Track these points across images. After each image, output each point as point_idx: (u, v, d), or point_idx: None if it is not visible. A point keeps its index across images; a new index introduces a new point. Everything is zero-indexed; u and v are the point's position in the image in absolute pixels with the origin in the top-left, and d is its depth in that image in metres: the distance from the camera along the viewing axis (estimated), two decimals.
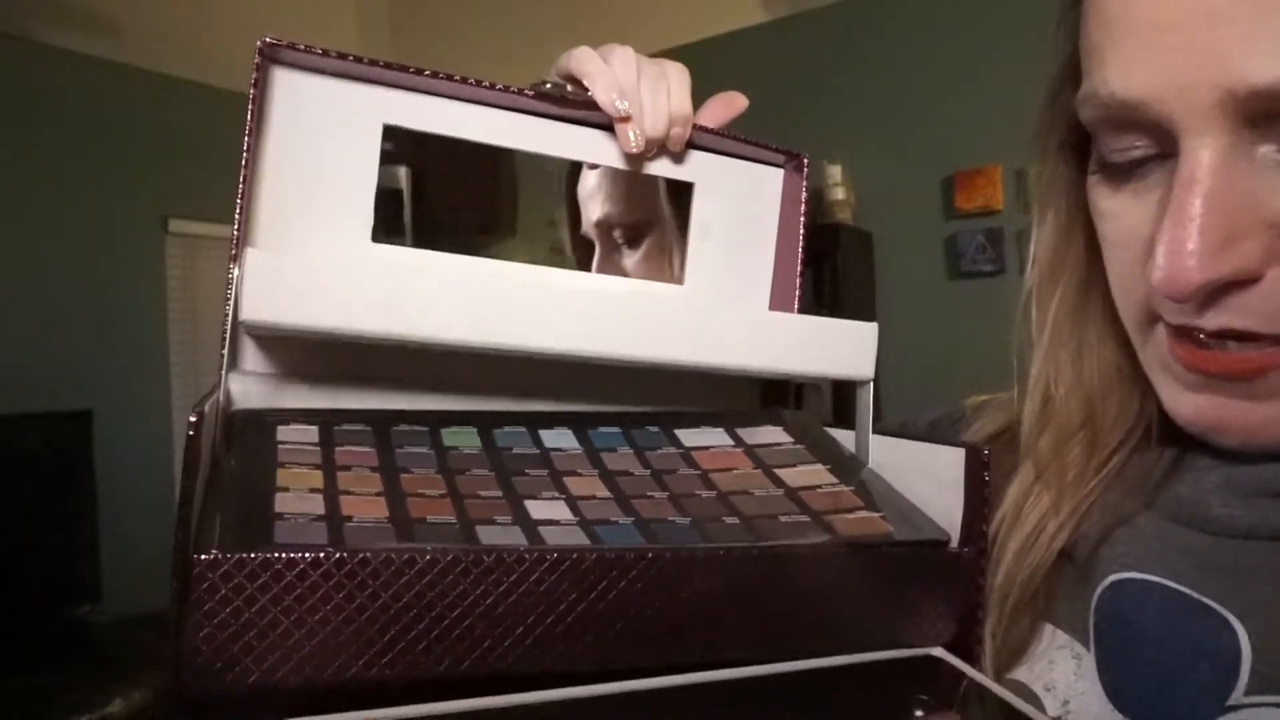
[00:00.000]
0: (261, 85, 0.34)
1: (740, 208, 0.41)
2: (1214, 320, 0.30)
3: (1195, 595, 0.32)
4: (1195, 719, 0.30)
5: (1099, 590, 0.34)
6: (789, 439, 0.38)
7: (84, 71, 2.87)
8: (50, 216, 2.80)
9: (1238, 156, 0.28)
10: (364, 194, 0.36)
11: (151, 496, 3.03)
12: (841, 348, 0.39)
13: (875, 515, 0.31)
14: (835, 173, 2.57)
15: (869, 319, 0.41)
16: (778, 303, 0.42)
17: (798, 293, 0.41)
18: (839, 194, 2.56)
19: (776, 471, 0.35)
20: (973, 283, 2.47)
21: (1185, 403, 0.32)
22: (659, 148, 0.39)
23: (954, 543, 0.30)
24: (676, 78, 0.40)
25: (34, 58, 2.76)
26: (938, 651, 0.31)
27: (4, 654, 2.04)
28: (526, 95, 0.37)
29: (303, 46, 0.34)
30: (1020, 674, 0.35)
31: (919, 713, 0.28)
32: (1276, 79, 0.26)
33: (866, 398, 0.40)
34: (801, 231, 0.41)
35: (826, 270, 2.52)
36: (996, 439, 0.41)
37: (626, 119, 0.37)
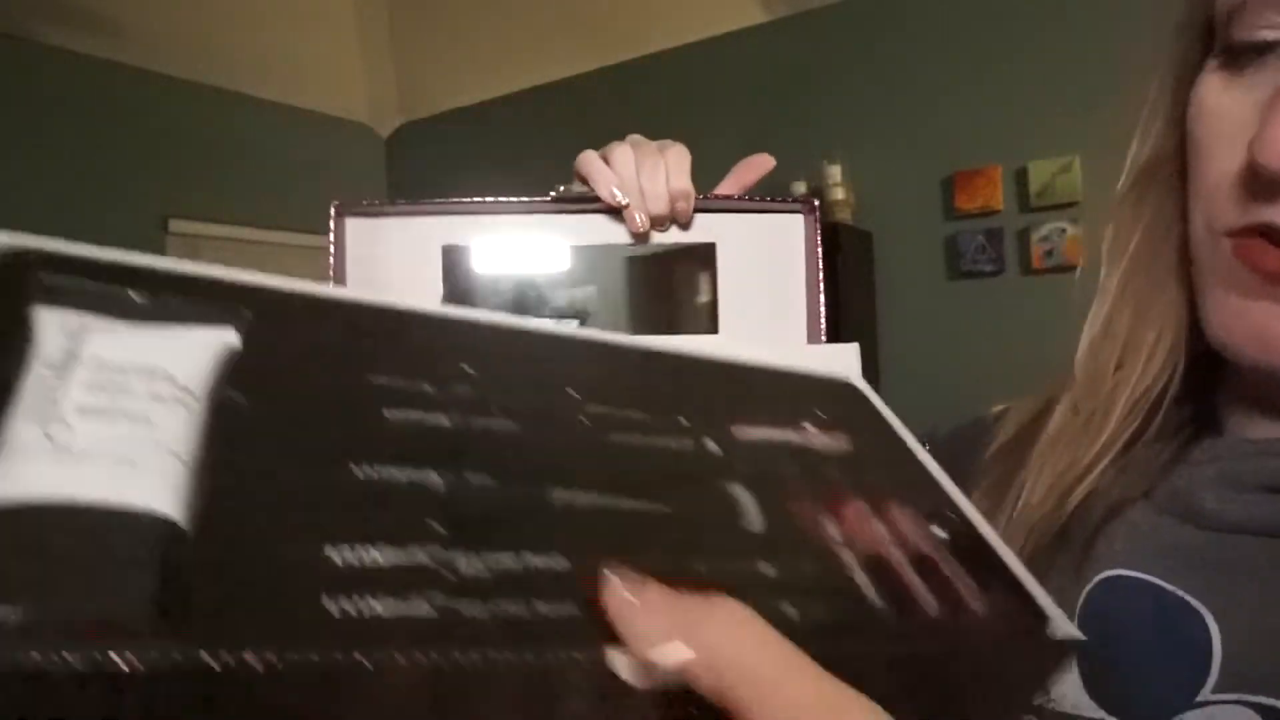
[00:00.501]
0: (338, 233, 0.44)
1: (765, 255, 0.45)
2: None
3: (1179, 592, 0.32)
4: (1165, 712, 0.31)
5: (1090, 586, 0.35)
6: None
7: (84, 71, 2.88)
8: (50, 216, 2.80)
9: None
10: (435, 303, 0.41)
11: None
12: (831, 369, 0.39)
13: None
14: (835, 173, 2.57)
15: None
16: (813, 333, 0.45)
17: (823, 324, 0.45)
18: (839, 194, 2.57)
19: None
20: (973, 283, 2.48)
21: (1238, 315, 0.31)
22: (670, 221, 0.44)
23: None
24: (674, 160, 0.45)
25: (34, 58, 2.76)
26: (857, 382, 0.34)
27: None
28: (549, 201, 0.45)
29: (366, 201, 0.44)
30: None
31: (807, 424, 0.29)
32: None
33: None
34: (820, 266, 0.44)
35: (826, 270, 2.52)
36: (1026, 429, 0.40)
37: (627, 206, 0.43)
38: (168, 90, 3.07)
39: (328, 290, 0.25)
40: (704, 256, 0.45)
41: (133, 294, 0.21)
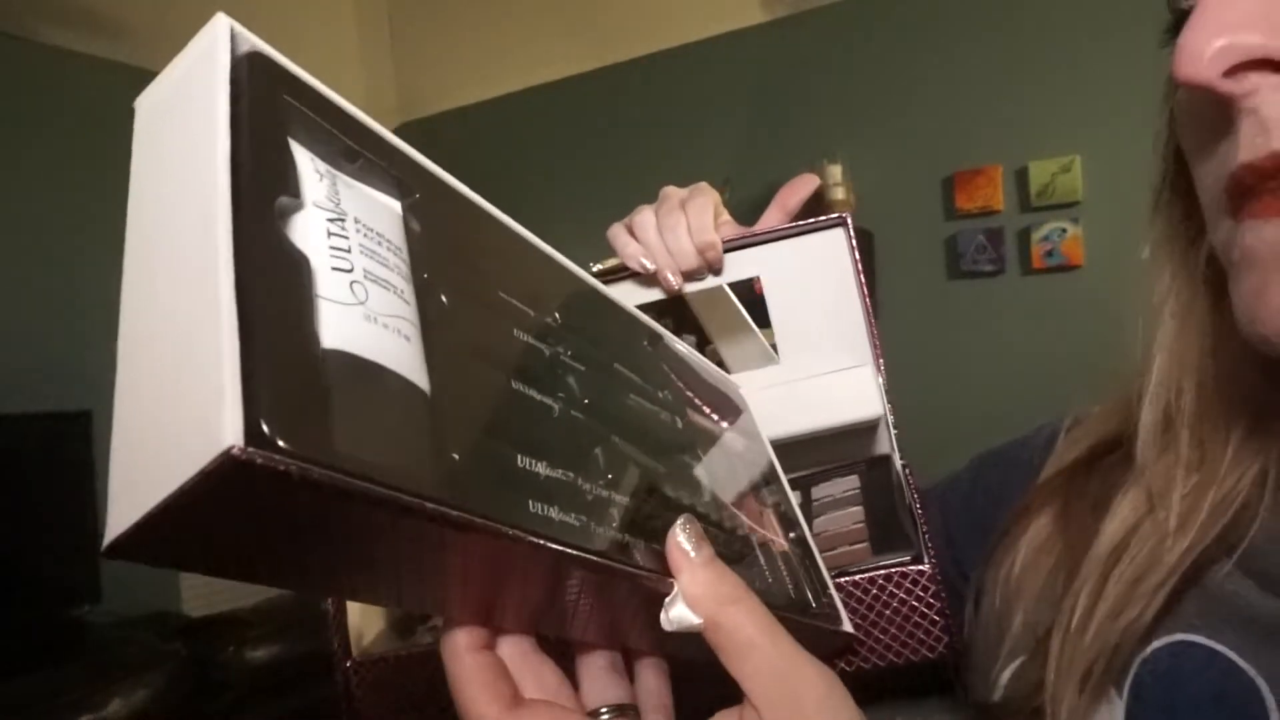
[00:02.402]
0: None
1: (813, 274, 0.45)
2: (1253, 146, 0.24)
3: (1247, 670, 0.29)
4: None
5: (1154, 646, 0.31)
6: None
7: (84, 71, 2.87)
8: (50, 216, 2.80)
9: None
10: None
11: None
12: (849, 396, 0.42)
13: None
14: (835, 173, 2.57)
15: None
16: (870, 338, 0.46)
17: (876, 333, 0.45)
18: (839, 194, 2.56)
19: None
20: (973, 283, 2.47)
21: (1258, 296, 0.26)
22: (705, 270, 0.45)
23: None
24: (695, 211, 0.45)
25: (34, 58, 2.76)
26: (746, 395, 0.41)
27: (4, 654, 2.03)
28: (594, 272, 0.45)
29: None
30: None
31: (726, 423, 0.37)
32: None
33: (886, 433, 0.44)
34: (861, 276, 0.45)
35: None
36: (1100, 454, 0.37)
37: (655, 271, 0.45)
38: None
39: (468, 192, 0.28)
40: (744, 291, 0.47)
41: (342, 143, 0.23)
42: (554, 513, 0.22)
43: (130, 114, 0.22)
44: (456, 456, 0.20)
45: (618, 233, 0.46)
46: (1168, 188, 0.33)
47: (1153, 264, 0.33)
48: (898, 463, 0.42)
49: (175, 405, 0.16)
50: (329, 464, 0.16)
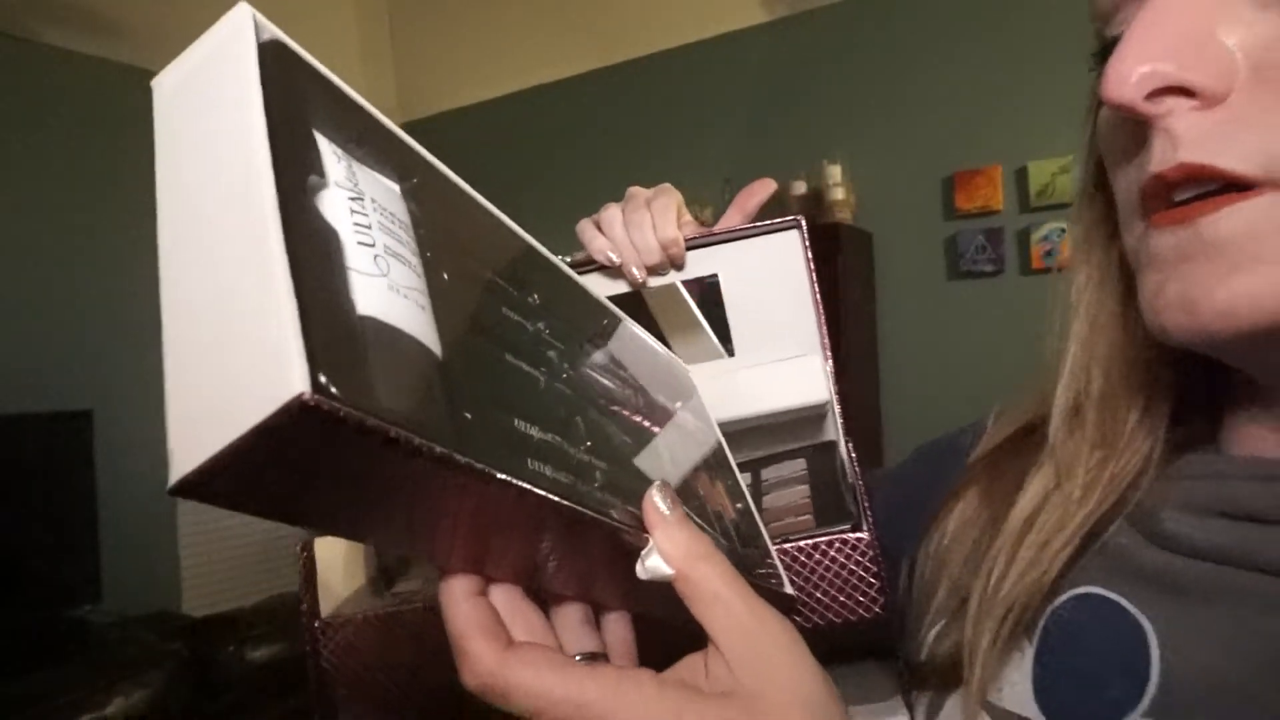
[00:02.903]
0: None
1: (768, 272, 0.48)
2: (1165, 157, 0.28)
3: (1133, 612, 0.33)
4: None
5: (1060, 599, 0.35)
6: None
7: (84, 71, 2.88)
8: (50, 216, 2.80)
9: None
10: None
11: (151, 496, 3.03)
12: (797, 382, 0.45)
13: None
14: (835, 173, 2.57)
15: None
16: (821, 335, 0.48)
17: (825, 327, 0.48)
18: (839, 194, 2.56)
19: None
20: (973, 283, 2.48)
21: (1159, 292, 0.29)
22: (668, 266, 0.48)
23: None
24: (659, 209, 0.47)
25: (34, 58, 2.76)
26: (695, 381, 0.43)
27: (4, 654, 2.03)
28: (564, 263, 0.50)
29: None
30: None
31: (680, 404, 0.39)
32: None
33: (834, 413, 0.47)
34: (814, 274, 0.48)
35: (826, 270, 2.52)
36: (1020, 437, 0.41)
37: (621, 265, 0.47)
38: None
39: (456, 178, 0.30)
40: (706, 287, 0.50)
41: (348, 129, 0.24)
42: (548, 470, 0.24)
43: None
44: (468, 416, 0.22)
45: (585, 227, 0.49)
46: (1088, 193, 0.37)
47: (1072, 263, 0.37)
48: (842, 446, 0.44)
49: (237, 361, 0.18)
50: (375, 413, 0.18)
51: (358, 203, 0.22)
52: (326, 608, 0.38)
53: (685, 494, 0.33)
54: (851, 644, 0.38)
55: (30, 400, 2.63)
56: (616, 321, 0.38)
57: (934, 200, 2.54)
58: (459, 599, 0.26)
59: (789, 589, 0.36)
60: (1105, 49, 0.31)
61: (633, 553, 0.27)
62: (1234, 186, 0.27)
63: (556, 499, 0.23)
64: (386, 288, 0.21)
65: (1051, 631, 0.35)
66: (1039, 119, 2.35)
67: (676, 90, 3.01)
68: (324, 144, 0.22)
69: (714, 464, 0.39)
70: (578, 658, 0.28)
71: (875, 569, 0.37)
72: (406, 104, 3.68)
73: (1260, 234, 0.27)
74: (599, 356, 0.34)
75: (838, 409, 0.46)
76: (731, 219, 0.51)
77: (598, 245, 0.48)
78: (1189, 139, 0.27)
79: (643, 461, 0.31)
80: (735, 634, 0.27)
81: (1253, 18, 0.27)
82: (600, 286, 0.47)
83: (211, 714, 2.01)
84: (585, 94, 3.23)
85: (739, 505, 0.38)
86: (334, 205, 0.21)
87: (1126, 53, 0.27)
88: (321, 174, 0.21)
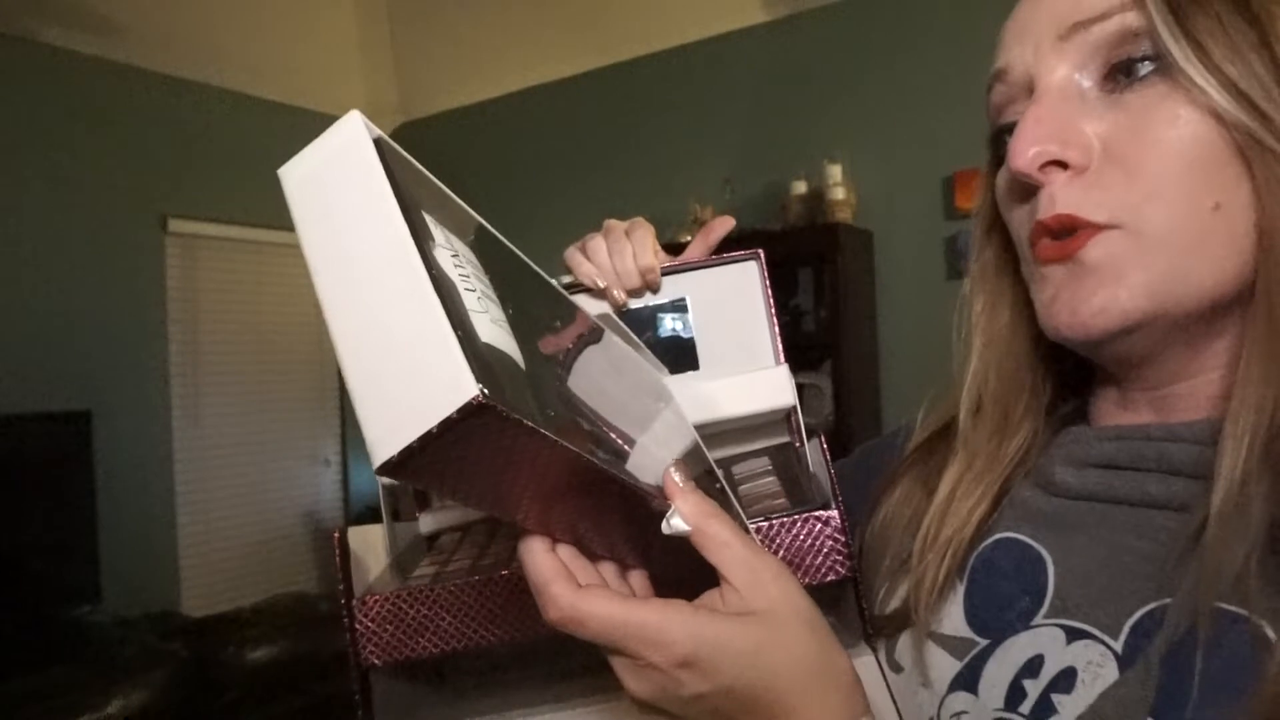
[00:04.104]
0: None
1: (731, 297, 0.56)
2: (1049, 207, 0.40)
3: (1035, 545, 0.44)
4: (1009, 632, 0.42)
5: (984, 544, 0.46)
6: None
7: (84, 71, 2.88)
8: (50, 216, 2.80)
9: (1069, 86, 0.41)
10: None
11: (151, 496, 3.03)
12: (767, 389, 0.53)
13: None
14: (835, 173, 2.57)
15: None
16: (777, 353, 0.56)
17: (781, 345, 0.56)
18: (839, 194, 2.56)
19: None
20: None
21: (1050, 305, 0.42)
22: (645, 290, 0.55)
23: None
24: (638, 239, 0.55)
25: (34, 58, 2.77)
26: (667, 381, 0.51)
27: (4, 654, 2.04)
28: None
29: None
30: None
31: (663, 404, 0.46)
32: (1089, 11, 0.40)
33: (795, 417, 0.55)
34: (771, 300, 0.56)
35: (827, 270, 2.52)
36: (939, 434, 0.52)
37: (606, 288, 0.54)
38: (168, 90, 3.07)
39: (493, 230, 0.38)
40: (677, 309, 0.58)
41: (426, 197, 0.32)
42: (600, 453, 0.31)
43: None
44: (551, 413, 0.30)
45: (573, 254, 0.56)
46: (984, 237, 0.50)
47: (973, 289, 0.51)
48: (803, 446, 0.54)
49: (417, 378, 0.26)
50: (514, 410, 0.26)
51: (456, 259, 0.30)
52: (358, 588, 0.46)
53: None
54: (821, 601, 0.43)
55: (30, 400, 2.63)
56: (598, 331, 0.45)
57: (934, 200, 2.54)
58: (539, 552, 0.35)
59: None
60: (997, 133, 0.46)
61: (657, 514, 0.36)
62: (1093, 228, 0.39)
63: (612, 472, 0.31)
64: (490, 321, 0.29)
65: (977, 569, 0.46)
66: None
67: (676, 90, 3.01)
68: (427, 214, 0.30)
69: (692, 458, 0.45)
70: None
71: (844, 539, 0.45)
72: (407, 104, 3.68)
73: (1115, 260, 0.39)
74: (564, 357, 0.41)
75: (799, 416, 0.55)
76: (695, 251, 0.59)
77: (585, 270, 0.55)
78: (1062, 197, 0.40)
79: (640, 453, 0.38)
80: (743, 569, 0.36)
81: (1103, 114, 0.40)
82: (586, 307, 0.54)
83: (211, 714, 2.01)
84: (585, 94, 3.23)
85: (717, 485, 0.44)
86: (446, 261, 0.29)
87: (1024, 136, 0.40)
88: (432, 238, 0.29)
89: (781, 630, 0.36)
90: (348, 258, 0.28)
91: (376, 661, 0.43)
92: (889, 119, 2.61)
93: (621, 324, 0.54)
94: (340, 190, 0.29)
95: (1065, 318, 0.41)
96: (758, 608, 0.36)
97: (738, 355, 0.55)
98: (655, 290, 0.55)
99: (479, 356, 0.26)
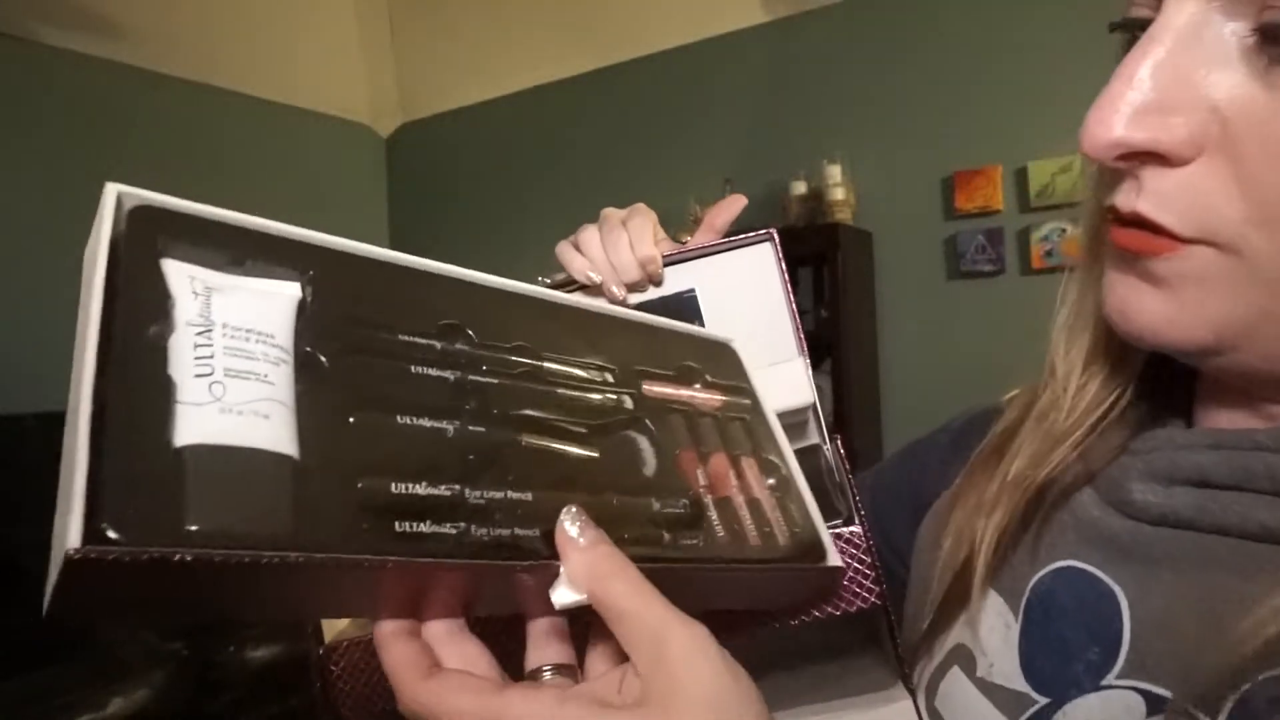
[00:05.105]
0: None
1: (743, 285, 0.49)
2: (1127, 200, 0.31)
3: (1108, 581, 0.35)
4: (1074, 693, 0.34)
5: (1041, 573, 0.38)
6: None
7: (84, 71, 2.87)
8: (50, 216, 2.80)
9: (1204, 27, 0.29)
10: None
11: None
12: (782, 386, 0.47)
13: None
14: (835, 173, 2.57)
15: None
16: (798, 342, 0.49)
17: (802, 335, 0.49)
18: (839, 194, 2.56)
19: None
20: (973, 283, 2.48)
21: (1110, 289, 0.34)
22: (646, 283, 0.49)
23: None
24: (636, 228, 0.48)
25: (34, 58, 2.76)
26: (739, 348, 0.44)
27: (4, 654, 2.03)
28: (544, 285, 0.48)
29: None
30: (961, 629, 0.41)
31: (698, 385, 0.39)
32: None
33: (818, 416, 0.48)
34: (788, 284, 0.49)
35: (826, 270, 2.52)
36: (1023, 414, 0.44)
37: (601, 283, 0.48)
38: (168, 90, 3.07)
39: (366, 249, 0.32)
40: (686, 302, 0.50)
41: (228, 252, 0.27)
42: (424, 527, 0.26)
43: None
44: (317, 504, 0.24)
45: (564, 249, 0.50)
46: (1092, 196, 0.39)
47: (1076, 260, 0.41)
48: (827, 447, 0.46)
49: (61, 514, 0.21)
50: (173, 543, 0.21)
51: (204, 334, 0.25)
52: (330, 632, 0.39)
53: (673, 491, 0.34)
54: (847, 639, 0.38)
55: (30, 400, 2.63)
56: (604, 321, 0.39)
57: (934, 200, 2.54)
58: (386, 640, 0.29)
59: (834, 560, 0.37)
60: (1126, 25, 0.33)
61: (546, 582, 0.28)
62: (1176, 241, 0.31)
63: (414, 560, 0.25)
64: (218, 411, 0.24)
65: (1034, 605, 0.37)
66: (1039, 119, 2.35)
67: (676, 90, 3.01)
68: (180, 287, 0.26)
69: (743, 439, 0.39)
70: (545, 670, 0.30)
71: (870, 560, 0.38)
72: (407, 104, 3.67)
73: (1192, 281, 0.31)
74: (566, 372, 0.35)
75: (820, 411, 0.47)
76: (703, 236, 0.52)
77: (577, 265, 0.49)
78: (1148, 191, 0.31)
79: (608, 473, 0.33)
80: (643, 644, 0.28)
81: (1237, 84, 0.28)
82: (584, 305, 0.49)
83: (211, 714, 2.01)
84: (585, 94, 3.22)
85: (772, 480, 0.38)
86: (178, 345, 0.24)
87: (1108, 104, 0.30)
88: (169, 319, 0.25)
89: None
90: (76, 355, 0.24)
91: (349, 715, 0.37)
92: (889, 119, 2.60)
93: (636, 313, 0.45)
94: (86, 277, 0.26)
95: (1115, 314, 0.33)
96: (657, 694, 0.27)
97: (755, 349, 0.49)
98: (658, 283, 0.49)
99: (140, 476, 0.21)
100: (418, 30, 3.55)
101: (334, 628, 0.39)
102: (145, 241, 0.25)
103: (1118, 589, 0.35)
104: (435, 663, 0.29)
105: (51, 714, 1.78)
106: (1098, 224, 0.37)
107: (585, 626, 0.31)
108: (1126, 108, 0.29)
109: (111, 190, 0.26)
